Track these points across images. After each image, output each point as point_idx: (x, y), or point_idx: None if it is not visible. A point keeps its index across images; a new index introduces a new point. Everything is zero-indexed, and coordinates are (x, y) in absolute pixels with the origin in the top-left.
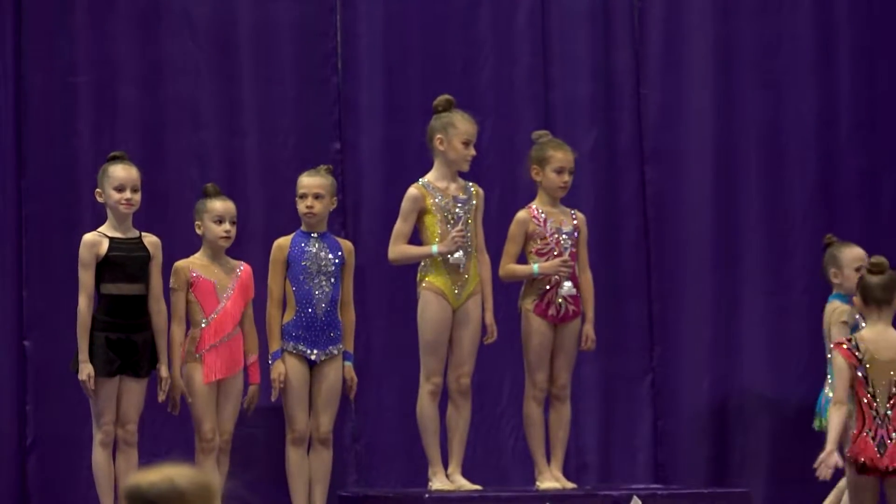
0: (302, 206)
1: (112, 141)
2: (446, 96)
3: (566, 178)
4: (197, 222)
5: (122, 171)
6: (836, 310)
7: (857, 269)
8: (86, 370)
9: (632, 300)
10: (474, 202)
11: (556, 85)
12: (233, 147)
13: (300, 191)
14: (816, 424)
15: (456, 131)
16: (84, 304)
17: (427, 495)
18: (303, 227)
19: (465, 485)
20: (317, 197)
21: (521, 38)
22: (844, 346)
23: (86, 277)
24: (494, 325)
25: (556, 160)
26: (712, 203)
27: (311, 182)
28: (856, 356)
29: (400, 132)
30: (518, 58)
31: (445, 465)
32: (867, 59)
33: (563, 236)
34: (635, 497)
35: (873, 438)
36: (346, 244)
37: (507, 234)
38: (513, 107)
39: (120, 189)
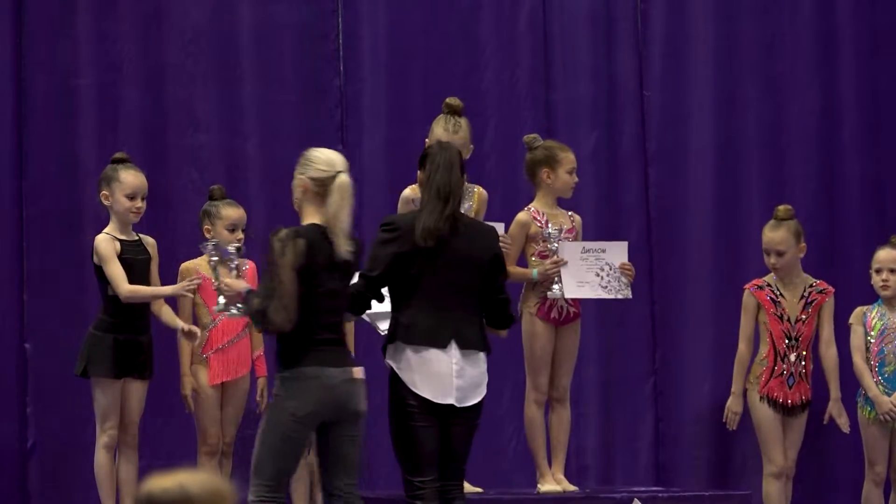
0: None
1: (113, 143)
2: (449, 100)
3: (576, 178)
4: (206, 226)
5: (134, 179)
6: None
7: (878, 272)
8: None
9: (634, 302)
10: (471, 204)
11: (559, 86)
12: (234, 149)
13: None
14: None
15: (431, 136)
16: (128, 291)
17: None
18: None
19: (467, 487)
20: None
21: (522, 40)
22: None
23: (116, 269)
24: None
25: (568, 161)
26: (715, 204)
27: None
28: None
29: (402, 134)
30: (520, 59)
31: None
32: (870, 59)
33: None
34: (636, 499)
35: None
36: None
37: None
38: (515, 108)
39: (132, 197)
